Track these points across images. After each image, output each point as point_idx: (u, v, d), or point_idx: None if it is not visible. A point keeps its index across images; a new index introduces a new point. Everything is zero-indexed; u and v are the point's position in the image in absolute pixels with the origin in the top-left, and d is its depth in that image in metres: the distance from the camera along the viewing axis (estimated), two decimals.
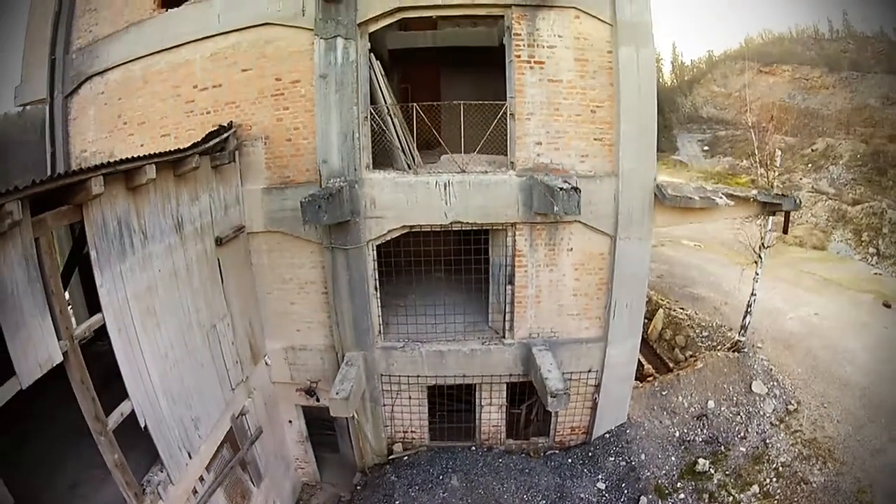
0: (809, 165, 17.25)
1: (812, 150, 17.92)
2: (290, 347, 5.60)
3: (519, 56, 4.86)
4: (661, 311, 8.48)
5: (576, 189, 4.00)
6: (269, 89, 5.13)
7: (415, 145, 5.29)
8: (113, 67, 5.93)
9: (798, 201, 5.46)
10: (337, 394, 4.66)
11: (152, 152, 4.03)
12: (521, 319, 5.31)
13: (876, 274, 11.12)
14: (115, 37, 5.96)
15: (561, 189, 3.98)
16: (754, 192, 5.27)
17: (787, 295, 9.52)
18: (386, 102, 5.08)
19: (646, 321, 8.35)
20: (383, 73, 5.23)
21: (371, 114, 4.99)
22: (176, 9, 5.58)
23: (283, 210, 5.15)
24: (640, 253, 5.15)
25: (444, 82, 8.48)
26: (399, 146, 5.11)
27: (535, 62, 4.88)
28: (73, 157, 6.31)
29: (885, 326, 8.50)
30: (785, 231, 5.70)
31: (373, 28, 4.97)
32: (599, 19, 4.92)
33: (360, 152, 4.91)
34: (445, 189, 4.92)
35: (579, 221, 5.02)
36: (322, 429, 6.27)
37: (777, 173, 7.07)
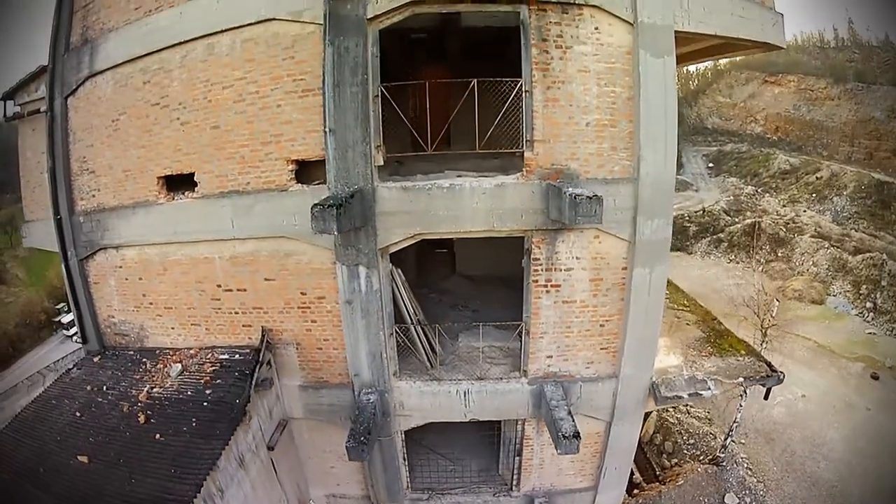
0: (814, 195, 17.64)
1: (817, 178, 18.20)
2: (332, 495, 7.08)
3: (537, 281, 5.46)
4: (654, 413, 9.95)
5: (576, 435, 5.04)
6: (296, 301, 5.75)
7: (437, 344, 6.10)
8: (126, 246, 6.32)
9: (781, 377, 6.49)
10: None
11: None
12: (527, 479, 6.73)
13: (870, 334, 12.37)
14: (121, 213, 6.26)
15: (563, 436, 5.01)
16: (741, 378, 6.28)
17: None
18: (410, 317, 5.77)
19: None
20: (404, 281, 5.80)
21: (396, 331, 5.72)
22: (183, 200, 5.84)
23: (319, 405, 6.17)
24: (631, 434, 6.35)
25: None
26: (423, 352, 5.94)
27: (551, 286, 5.50)
28: (100, 320, 6.98)
29: (868, 408, 9.89)
30: (766, 398, 6.81)
31: (394, 249, 5.43)
32: (619, 237, 5.40)
33: (387, 364, 5.77)
34: (465, 396, 5.91)
35: (581, 413, 6.11)
36: None
37: (772, 321, 7.88)
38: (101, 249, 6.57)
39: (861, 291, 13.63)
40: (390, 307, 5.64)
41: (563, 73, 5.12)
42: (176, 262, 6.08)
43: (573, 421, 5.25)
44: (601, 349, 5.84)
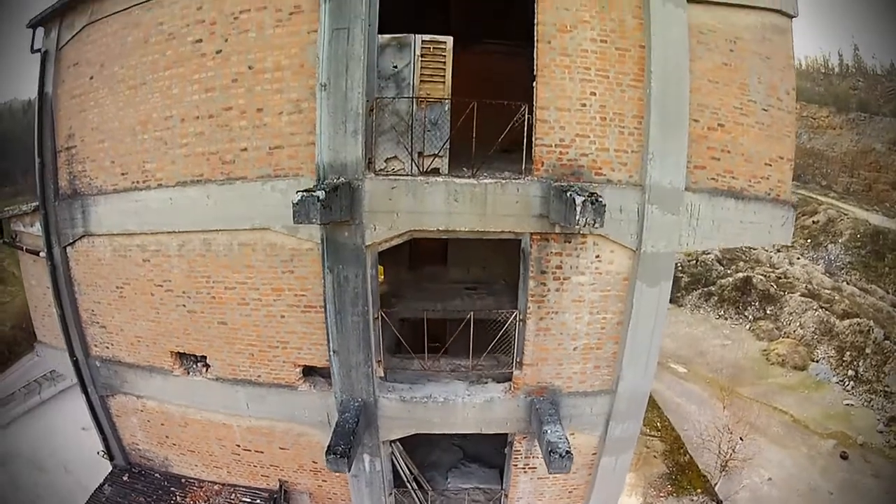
0: (809, 241, 18.13)
1: (813, 223, 18.52)
2: None
3: (517, 465, 6.69)
4: None
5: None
6: (308, 466, 6.95)
7: (427, 486, 7.49)
8: (147, 398, 7.24)
9: None
10: None
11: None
12: None
13: (847, 405, 13.42)
14: (138, 372, 7.10)
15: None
16: None
17: (750, 449, 11.10)
18: (406, 478, 7.04)
19: None
20: (402, 451, 6.96)
21: (395, 493, 7.02)
22: (198, 378, 6.65)
23: None
24: None
25: None
26: (417, 502, 7.34)
27: (529, 468, 6.75)
28: (125, 444, 8.14)
29: (831, 492, 10.87)
30: None
31: (394, 438, 6.49)
32: (591, 435, 6.52)
33: None
34: None
35: None
36: None
37: (734, 454, 9.24)
38: (121, 393, 7.49)
39: (845, 358, 14.68)
40: (391, 476, 6.88)
41: (558, 304, 5.75)
42: (197, 421, 7.11)
43: None
44: None
